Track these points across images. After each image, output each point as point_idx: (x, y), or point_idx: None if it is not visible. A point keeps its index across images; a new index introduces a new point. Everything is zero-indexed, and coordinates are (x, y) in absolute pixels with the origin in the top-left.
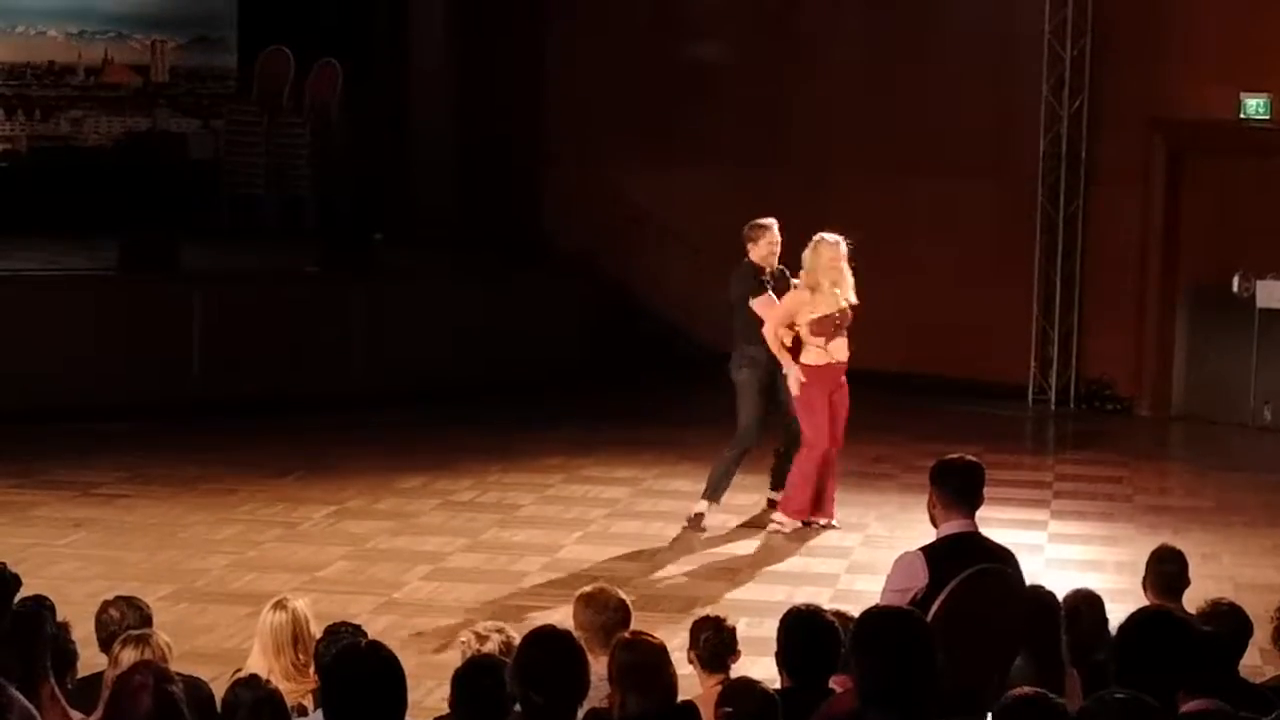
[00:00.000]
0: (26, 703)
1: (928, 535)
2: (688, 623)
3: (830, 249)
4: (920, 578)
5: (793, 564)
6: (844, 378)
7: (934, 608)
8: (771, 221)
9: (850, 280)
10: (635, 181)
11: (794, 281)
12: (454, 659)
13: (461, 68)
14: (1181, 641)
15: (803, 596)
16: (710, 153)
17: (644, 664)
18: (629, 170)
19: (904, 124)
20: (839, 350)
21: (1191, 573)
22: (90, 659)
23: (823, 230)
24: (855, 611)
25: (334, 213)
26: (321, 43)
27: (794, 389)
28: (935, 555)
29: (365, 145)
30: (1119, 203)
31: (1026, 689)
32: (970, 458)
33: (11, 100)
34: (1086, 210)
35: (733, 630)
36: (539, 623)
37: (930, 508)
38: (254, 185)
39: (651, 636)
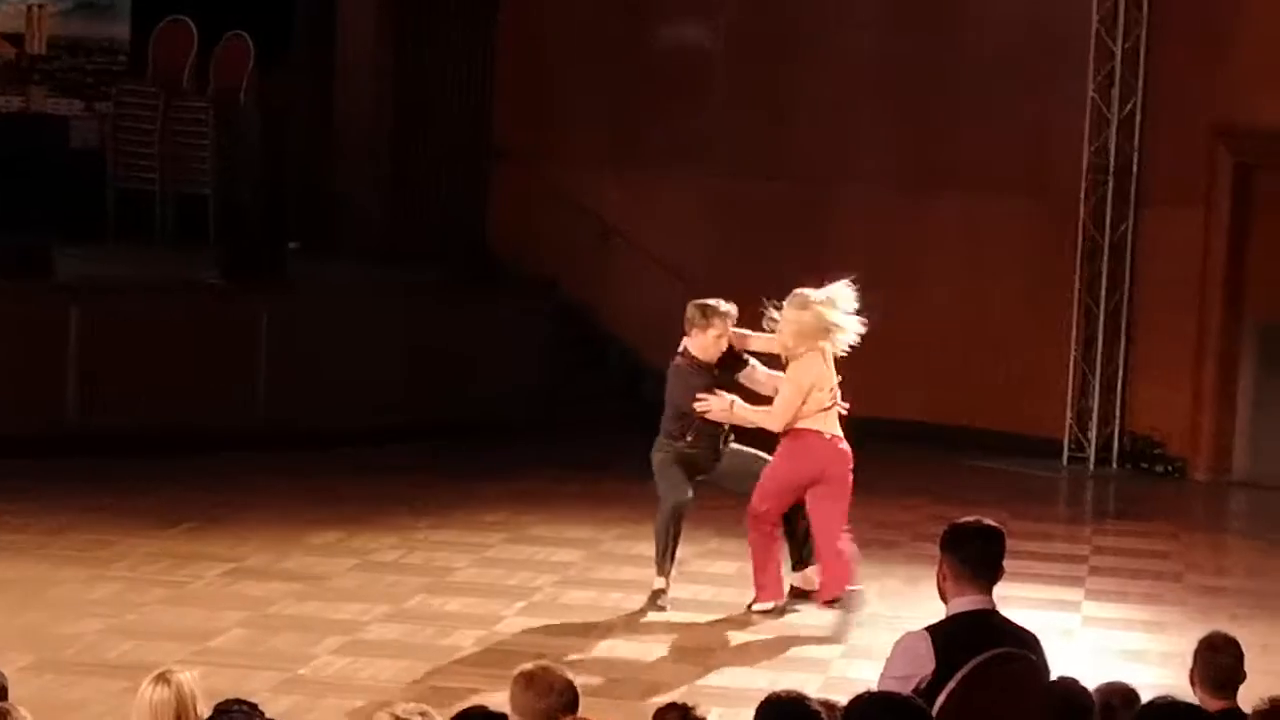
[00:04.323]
0: None
1: (937, 614)
2: (648, 712)
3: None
4: (925, 663)
5: (777, 646)
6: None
7: (941, 699)
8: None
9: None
10: (603, 189)
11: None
12: None
13: (398, 48)
14: None
15: (787, 683)
16: (693, 158)
17: None
18: (596, 176)
19: (923, 129)
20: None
21: (1249, 666)
22: None
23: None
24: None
25: (241, 215)
26: (230, 14)
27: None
28: (944, 637)
29: (280, 136)
30: (1176, 226)
31: None
32: (989, 522)
33: None
34: (1137, 234)
35: None
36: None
37: (940, 580)
38: (146, 180)
39: None
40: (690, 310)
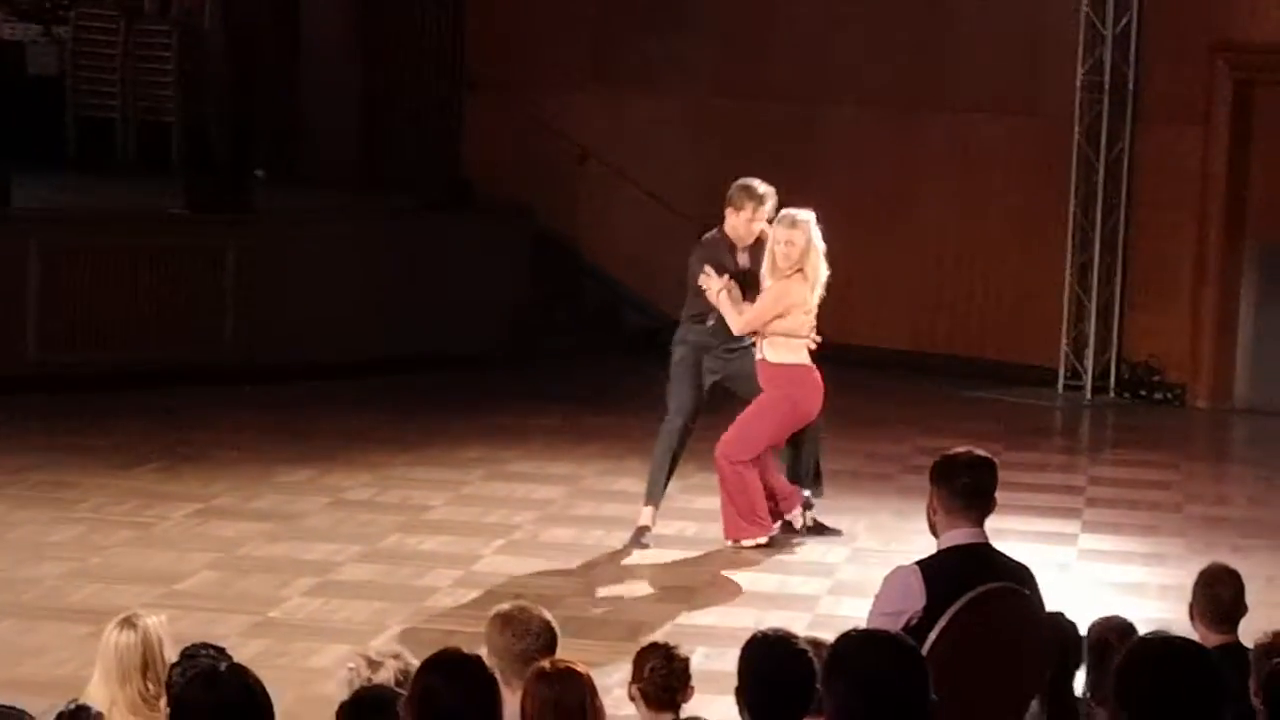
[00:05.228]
0: None
1: (928, 548)
2: (630, 652)
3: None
4: (916, 598)
5: (764, 583)
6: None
7: (932, 636)
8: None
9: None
10: (581, 114)
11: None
12: (339, 690)
13: None
14: (1198, 680)
15: (774, 622)
16: (674, 79)
17: (564, 700)
18: (573, 100)
19: (910, 47)
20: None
21: (1251, 599)
22: None
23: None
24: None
25: (205, 143)
26: None
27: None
28: (935, 571)
29: (245, 60)
30: (1174, 145)
31: None
32: (981, 452)
33: None
34: (1134, 154)
35: (686, 661)
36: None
37: (930, 514)
38: (107, 107)
39: (576, 665)
40: (732, 188)
